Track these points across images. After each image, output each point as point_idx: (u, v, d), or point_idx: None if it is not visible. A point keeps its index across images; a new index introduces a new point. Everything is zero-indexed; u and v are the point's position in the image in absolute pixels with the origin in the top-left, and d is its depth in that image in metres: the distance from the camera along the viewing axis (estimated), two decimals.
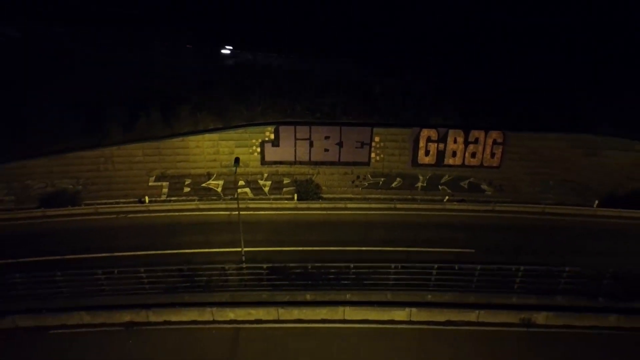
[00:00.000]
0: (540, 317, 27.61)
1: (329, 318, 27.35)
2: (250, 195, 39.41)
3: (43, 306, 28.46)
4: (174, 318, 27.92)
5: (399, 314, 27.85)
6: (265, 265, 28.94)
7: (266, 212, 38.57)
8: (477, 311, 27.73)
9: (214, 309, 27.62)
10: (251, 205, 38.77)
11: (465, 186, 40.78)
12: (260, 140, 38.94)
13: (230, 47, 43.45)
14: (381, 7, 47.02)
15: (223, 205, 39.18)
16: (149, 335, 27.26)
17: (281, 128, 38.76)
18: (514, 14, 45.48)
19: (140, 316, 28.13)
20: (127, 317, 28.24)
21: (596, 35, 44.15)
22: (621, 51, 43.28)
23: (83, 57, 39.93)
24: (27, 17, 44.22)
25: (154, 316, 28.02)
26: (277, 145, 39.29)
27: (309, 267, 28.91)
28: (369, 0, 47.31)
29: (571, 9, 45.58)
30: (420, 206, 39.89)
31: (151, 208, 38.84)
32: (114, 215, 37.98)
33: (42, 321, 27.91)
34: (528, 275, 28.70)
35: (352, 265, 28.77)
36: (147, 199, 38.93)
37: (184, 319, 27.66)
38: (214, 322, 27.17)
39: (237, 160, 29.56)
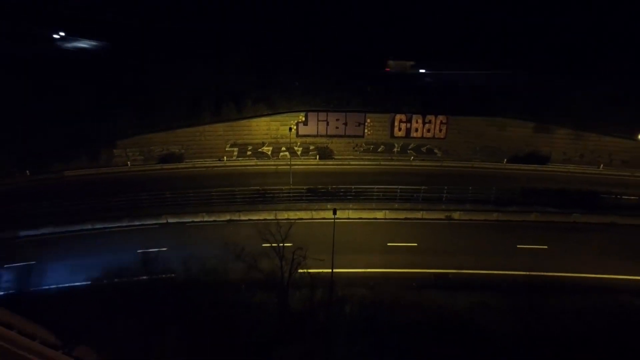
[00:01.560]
0: (456, 215, 48.54)
1: (340, 217, 47.66)
2: (289, 156, 59.91)
3: (182, 211, 49.32)
4: (254, 217, 48.35)
5: (379, 214, 48.73)
6: (304, 187, 49.86)
7: (299, 166, 58.85)
8: (421, 212, 48.69)
9: (277, 212, 48.17)
10: (291, 162, 59.23)
11: (424, 150, 61.31)
12: (295, 121, 59.35)
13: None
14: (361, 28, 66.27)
15: (272, 162, 59.91)
16: (240, 227, 47.54)
17: (309, 114, 59.23)
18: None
19: (235, 216, 48.75)
20: (227, 216, 48.94)
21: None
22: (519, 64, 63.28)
23: (186, 66, 60.23)
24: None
25: (243, 216, 48.62)
26: (306, 125, 59.82)
27: (329, 188, 49.83)
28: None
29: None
30: (396, 163, 60.72)
31: (227, 164, 59.52)
32: (204, 168, 58.73)
33: (181, 218, 48.63)
34: (451, 194, 49.73)
35: (352, 187, 49.74)
36: (225, 158, 59.64)
37: (260, 217, 47.98)
38: (277, 219, 47.07)
39: (290, 129, 50.44)
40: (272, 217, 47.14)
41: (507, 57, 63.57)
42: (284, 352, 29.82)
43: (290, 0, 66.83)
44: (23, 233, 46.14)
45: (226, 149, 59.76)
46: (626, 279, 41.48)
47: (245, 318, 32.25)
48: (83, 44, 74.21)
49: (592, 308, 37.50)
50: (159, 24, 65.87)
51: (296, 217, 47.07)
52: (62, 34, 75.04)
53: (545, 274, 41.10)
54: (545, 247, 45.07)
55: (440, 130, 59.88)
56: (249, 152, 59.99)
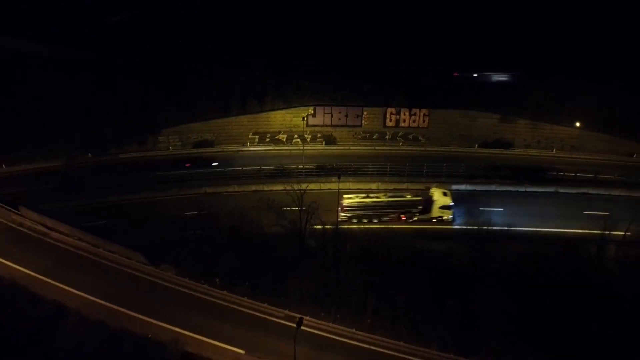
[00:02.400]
0: (434, 185, 60.43)
1: (343, 187, 59.66)
2: (300, 142, 71.75)
3: (217, 183, 61.29)
4: (274, 188, 60.11)
5: (373, 185, 60.80)
6: (314, 165, 61.94)
7: (308, 150, 70.33)
8: (406, 184, 60.76)
9: (293, 184, 59.86)
10: (303, 147, 70.86)
11: (411, 138, 73.22)
12: (306, 114, 71.13)
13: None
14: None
15: (286, 147, 71.80)
16: (263, 195, 59.23)
17: (317, 107, 71.08)
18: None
19: (259, 187, 60.76)
20: (253, 187, 60.97)
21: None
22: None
23: (218, 70, 72.10)
24: None
25: (266, 187, 60.56)
26: (315, 117, 71.58)
27: (334, 165, 61.92)
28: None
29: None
30: (387, 147, 72.60)
31: (250, 149, 71.45)
32: (231, 151, 70.61)
33: (216, 189, 60.57)
34: (430, 170, 61.79)
35: (353, 164, 61.87)
36: (248, 144, 71.65)
37: (279, 188, 59.08)
38: (292, 189, 58.94)
39: (303, 118, 62.65)
40: (289, 187, 59.02)
41: (476, 60, 75.80)
42: (304, 267, 41.85)
43: (302, 13, 78.75)
44: (95, 200, 58.16)
45: (249, 137, 71.65)
46: (560, 232, 53.41)
47: (276, 248, 44.55)
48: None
49: (535, 253, 49.14)
50: (195, 36, 78.06)
51: (308, 188, 59.05)
52: None
53: (501, 228, 52.92)
54: (502, 209, 57.13)
55: (423, 121, 71.75)
56: (267, 139, 71.89)
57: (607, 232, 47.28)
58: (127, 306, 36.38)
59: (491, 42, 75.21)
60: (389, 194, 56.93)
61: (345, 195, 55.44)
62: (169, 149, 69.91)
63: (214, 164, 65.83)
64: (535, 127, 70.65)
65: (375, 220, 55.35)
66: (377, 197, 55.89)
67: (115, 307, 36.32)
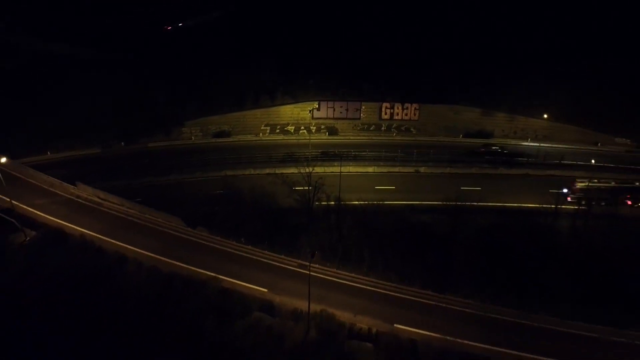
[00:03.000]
0: (422, 169, 69.31)
1: (345, 170, 68.22)
2: (306, 133, 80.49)
3: (235, 167, 70.01)
4: (285, 171, 68.68)
5: (370, 169, 69.51)
6: (320, 151, 70.78)
7: (314, 140, 79.05)
8: (398, 167, 69.47)
9: (301, 168, 68.66)
10: (307, 137, 79.66)
11: (403, 129, 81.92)
12: (311, 108, 79.70)
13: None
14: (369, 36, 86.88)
15: (294, 137, 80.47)
16: (277, 177, 67.80)
17: (321, 102, 79.73)
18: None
19: (272, 170, 69.30)
20: (267, 170, 69.70)
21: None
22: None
23: (234, 69, 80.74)
24: None
25: (278, 170, 69.16)
26: (319, 110, 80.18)
27: (336, 152, 70.76)
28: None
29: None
30: (382, 137, 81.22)
31: (262, 138, 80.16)
32: (246, 141, 79.33)
33: (235, 172, 69.26)
34: (419, 156, 70.50)
35: (353, 151, 70.70)
36: (260, 134, 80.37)
37: (290, 171, 67.90)
38: (301, 172, 67.76)
39: (310, 111, 71.48)
40: (297, 171, 67.77)
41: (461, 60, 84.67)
42: (313, 227, 50.69)
43: (308, 21, 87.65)
44: (131, 181, 66.81)
45: (261, 128, 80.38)
46: (527, 206, 62.15)
47: (289, 216, 53.41)
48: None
49: (507, 224, 58.04)
50: (215, 40, 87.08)
51: (314, 171, 67.75)
52: None
53: (478, 204, 61.49)
54: (479, 188, 65.85)
55: (414, 114, 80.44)
56: (277, 130, 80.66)
57: (563, 206, 56.16)
58: (172, 257, 44.99)
59: (473, 43, 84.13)
60: (619, 180, 63.35)
61: (577, 180, 62.41)
62: (191, 139, 78.63)
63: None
64: (512, 119, 79.41)
65: (603, 203, 60.28)
66: (607, 183, 62.28)
67: (163, 258, 45.01)
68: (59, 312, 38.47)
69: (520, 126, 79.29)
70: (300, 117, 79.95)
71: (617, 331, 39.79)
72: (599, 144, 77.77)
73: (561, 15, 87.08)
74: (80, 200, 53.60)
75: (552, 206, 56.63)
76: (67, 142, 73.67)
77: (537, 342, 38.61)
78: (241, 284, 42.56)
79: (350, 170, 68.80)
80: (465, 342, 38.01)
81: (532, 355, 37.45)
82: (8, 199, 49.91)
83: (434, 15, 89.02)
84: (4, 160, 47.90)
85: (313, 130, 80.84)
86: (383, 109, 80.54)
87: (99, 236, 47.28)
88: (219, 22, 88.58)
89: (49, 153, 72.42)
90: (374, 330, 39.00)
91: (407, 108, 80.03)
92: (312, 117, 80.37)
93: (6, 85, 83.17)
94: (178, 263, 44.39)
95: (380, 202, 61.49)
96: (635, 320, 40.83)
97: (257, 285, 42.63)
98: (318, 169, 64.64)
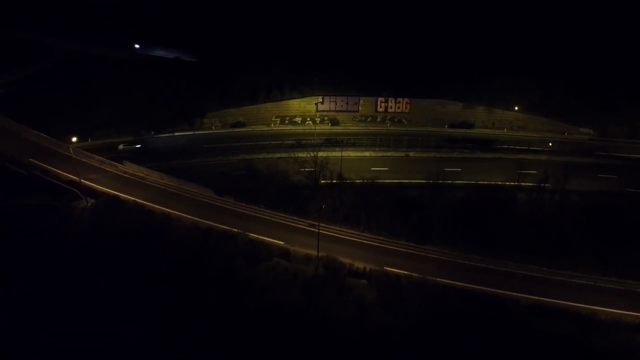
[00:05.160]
0: (411, 153, 79.55)
1: (345, 155, 78.29)
2: (312, 124, 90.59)
3: (251, 152, 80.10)
4: (293, 155, 79.02)
5: (366, 153, 79.67)
6: (323, 139, 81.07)
7: (318, 129, 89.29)
8: (391, 152, 79.71)
9: (306, 153, 78.85)
10: (313, 127, 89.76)
11: (396, 120, 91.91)
12: (316, 102, 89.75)
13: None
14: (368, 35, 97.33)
15: (300, 127, 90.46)
16: (288, 161, 77.68)
17: (325, 97, 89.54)
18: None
19: (283, 155, 79.19)
20: (278, 155, 79.62)
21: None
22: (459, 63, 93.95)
23: (249, 67, 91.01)
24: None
25: (287, 154, 79.29)
26: (323, 104, 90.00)
27: (337, 139, 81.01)
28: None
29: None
30: (378, 128, 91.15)
31: (273, 128, 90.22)
32: (259, 130, 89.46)
33: (250, 156, 79.26)
34: (408, 143, 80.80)
35: (352, 139, 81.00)
36: (271, 125, 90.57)
37: (299, 155, 78.30)
38: (307, 157, 77.92)
39: (316, 104, 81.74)
40: (304, 155, 77.92)
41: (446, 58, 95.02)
42: (320, 195, 61.00)
43: (312, 26, 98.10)
44: (161, 163, 76.93)
45: (272, 119, 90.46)
46: (502, 184, 72.05)
47: (299, 188, 63.78)
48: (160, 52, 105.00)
49: (479, 196, 68.06)
50: (232, 42, 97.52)
51: (319, 155, 77.89)
52: (137, 45, 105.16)
53: (458, 182, 71.76)
54: (460, 169, 75.93)
55: (406, 108, 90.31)
56: (286, 121, 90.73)
57: (531, 184, 66.62)
58: (206, 218, 55.21)
59: (456, 44, 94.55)
60: None
61: None
62: (211, 129, 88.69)
63: None
64: (490, 112, 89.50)
65: None
66: None
67: (199, 219, 55.29)
68: (125, 256, 48.94)
69: (498, 118, 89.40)
70: (307, 110, 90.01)
71: (556, 271, 50.32)
72: (565, 133, 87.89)
73: (532, 19, 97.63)
74: (127, 176, 63.76)
75: (515, 183, 66.80)
76: (104, 132, 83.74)
77: (497, 280, 49.12)
78: (263, 239, 52.92)
79: (350, 155, 78.84)
80: (439, 279, 48.49)
81: (493, 289, 47.98)
82: (71, 175, 60.08)
83: (424, 21, 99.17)
84: (74, 139, 58.18)
85: (317, 121, 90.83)
86: (378, 103, 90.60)
87: (147, 203, 57.48)
88: (237, 27, 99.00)
89: (89, 140, 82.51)
90: (368, 269, 49.43)
91: (399, 102, 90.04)
92: (317, 110, 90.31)
93: (45, 82, 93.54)
94: (212, 222, 54.72)
95: (375, 181, 71.85)
96: (570, 264, 51.29)
97: (275, 239, 53.02)
98: (322, 154, 74.70)
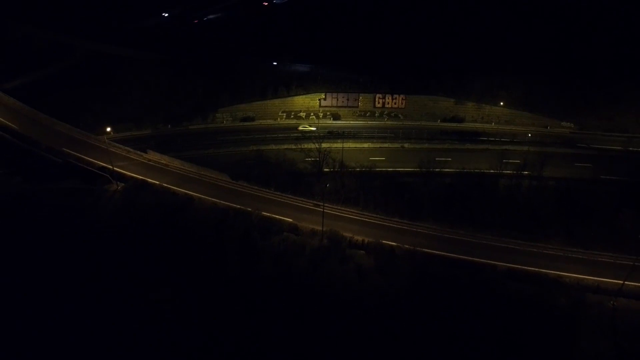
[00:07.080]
0: (406, 145, 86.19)
1: (346, 146, 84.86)
2: (315, 118, 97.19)
3: (260, 143, 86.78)
4: (300, 146, 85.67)
5: (365, 145, 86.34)
6: (325, 131, 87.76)
7: (321, 123, 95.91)
8: (387, 143, 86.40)
9: (310, 143, 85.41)
10: (316, 121, 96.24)
11: (392, 115, 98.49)
12: (319, 98, 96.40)
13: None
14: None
15: (305, 122, 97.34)
16: (293, 151, 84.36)
17: (327, 94, 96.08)
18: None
19: (290, 146, 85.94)
20: (285, 146, 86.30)
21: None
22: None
23: (257, 67, 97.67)
24: None
25: (294, 145, 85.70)
26: (326, 100, 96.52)
27: (339, 131, 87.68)
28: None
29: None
30: (376, 122, 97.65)
31: (279, 122, 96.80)
32: (267, 124, 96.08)
33: (260, 147, 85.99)
34: (405, 134, 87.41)
35: (352, 131, 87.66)
36: (278, 119, 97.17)
37: (303, 146, 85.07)
38: (311, 148, 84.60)
39: (319, 100, 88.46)
40: (309, 146, 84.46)
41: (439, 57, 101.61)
42: (323, 179, 67.64)
43: (314, 29, 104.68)
44: (179, 153, 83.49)
45: (279, 114, 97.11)
46: (486, 171, 78.58)
47: (305, 175, 70.56)
48: None
49: (465, 181, 74.59)
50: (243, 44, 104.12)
51: (322, 146, 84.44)
52: None
53: (448, 170, 78.34)
54: (450, 159, 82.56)
55: (402, 103, 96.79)
56: (292, 116, 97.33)
57: (512, 171, 73.37)
58: (224, 199, 61.66)
59: (448, 45, 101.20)
60: None
61: None
62: (223, 123, 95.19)
63: None
64: (479, 107, 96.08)
65: None
66: None
67: (218, 200, 61.94)
68: (154, 231, 55.73)
69: (486, 113, 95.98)
70: (310, 105, 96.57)
71: (530, 244, 57.06)
72: (548, 127, 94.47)
73: (519, 21, 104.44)
74: (151, 163, 70.41)
75: (498, 170, 73.54)
76: (125, 125, 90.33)
77: (478, 250, 55.71)
78: (274, 216, 59.52)
79: (350, 146, 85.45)
80: (427, 250, 55.15)
81: (473, 258, 54.60)
82: (101, 162, 66.71)
83: (419, 23, 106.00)
84: (108, 129, 64.79)
85: (320, 116, 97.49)
86: (376, 99, 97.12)
87: (171, 186, 64.11)
88: (245, 30, 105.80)
89: (112, 133, 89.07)
90: (366, 241, 56.18)
91: (395, 98, 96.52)
92: (320, 106, 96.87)
93: (68, 79, 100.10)
94: (229, 203, 61.33)
95: (373, 169, 78.40)
96: (542, 238, 58.03)
97: (285, 217, 59.63)
98: (325, 145, 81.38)
